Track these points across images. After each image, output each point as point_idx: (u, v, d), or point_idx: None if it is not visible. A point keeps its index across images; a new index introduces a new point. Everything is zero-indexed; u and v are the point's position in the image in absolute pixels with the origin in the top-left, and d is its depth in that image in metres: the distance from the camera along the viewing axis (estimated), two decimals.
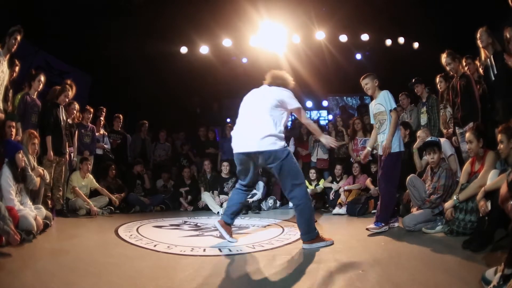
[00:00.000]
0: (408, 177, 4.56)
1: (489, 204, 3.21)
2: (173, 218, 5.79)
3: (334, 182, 6.94)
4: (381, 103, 4.39)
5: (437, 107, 5.90)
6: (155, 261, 3.15)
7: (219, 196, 6.80)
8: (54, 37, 7.81)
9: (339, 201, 6.33)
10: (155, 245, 3.67)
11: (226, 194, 6.81)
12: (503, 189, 2.31)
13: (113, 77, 9.40)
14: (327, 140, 4.10)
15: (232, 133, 3.98)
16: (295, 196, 3.66)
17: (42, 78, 5.33)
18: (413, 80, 6.37)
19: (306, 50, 10.01)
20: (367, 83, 4.49)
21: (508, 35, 4.13)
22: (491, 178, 3.42)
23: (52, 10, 7.09)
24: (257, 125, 3.64)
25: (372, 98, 4.63)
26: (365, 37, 9.77)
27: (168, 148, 8.60)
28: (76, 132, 6.30)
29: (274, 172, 3.68)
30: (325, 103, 13.60)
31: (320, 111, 13.72)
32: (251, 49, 9.99)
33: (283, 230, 4.59)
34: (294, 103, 3.75)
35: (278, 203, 7.39)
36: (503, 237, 3.03)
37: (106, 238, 4.11)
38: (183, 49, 9.94)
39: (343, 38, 9.72)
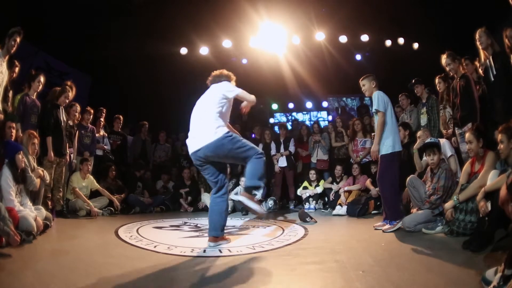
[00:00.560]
0: (408, 178, 4.57)
1: (489, 205, 3.21)
2: (173, 219, 5.78)
3: (334, 183, 6.94)
4: (373, 104, 4.47)
5: (437, 108, 5.90)
6: (155, 262, 3.14)
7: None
8: (54, 38, 7.82)
9: (339, 201, 6.33)
10: (155, 246, 3.67)
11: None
12: (503, 191, 2.31)
13: (113, 78, 9.40)
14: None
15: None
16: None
17: (42, 79, 5.33)
18: (413, 81, 6.37)
19: (306, 51, 10.02)
20: (364, 85, 4.59)
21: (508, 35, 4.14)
22: (491, 178, 3.42)
23: (52, 10, 7.10)
24: (201, 124, 3.67)
25: (371, 100, 4.67)
26: (365, 37, 9.79)
27: (168, 149, 8.60)
28: (77, 133, 6.30)
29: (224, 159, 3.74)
30: (325, 104, 13.59)
31: (320, 112, 13.70)
32: (251, 50, 10.00)
33: (283, 231, 4.59)
34: (233, 90, 3.80)
35: (278, 203, 7.39)
36: (503, 237, 3.03)
37: (106, 239, 4.11)
38: (183, 50, 9.95)
39: (343, 39, 9.73)
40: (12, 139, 4.46)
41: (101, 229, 4.99)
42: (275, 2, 8.27)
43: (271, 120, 13.09)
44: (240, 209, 6.50)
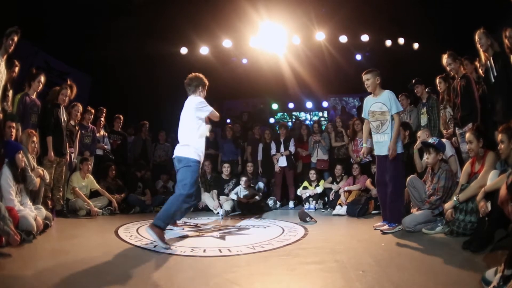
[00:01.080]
0: (408, 178, 4.57)
1: (489, 205, 3.21)
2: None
3: (334, 183, 6.94)
4: (385, 103, 4.37)
5: (437, 108, 5.90)
6: (155, 262, 3.15)
7: (218, 198, 6.79)
8: (54, 38, 7.81)
9: (339, 201, 6.33)
10: (155, 246, 3.67)
11: (226, 195, 6.81)
12: (503, 191, 2.31)
13: (113, 78, 9.39)
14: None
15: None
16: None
17: (42, 78, 5.33)
18: (413, 81, 6.37)
19: (306, 51, 10.01)
20: (368, 79, 4.47)
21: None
22: (491, 178, 3.42)
23: (52, 10, 7.10)
24: (181, 134, 4.25)
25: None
26: (365, 37, 9.78)
27: (168, 149, 8.59)
28: (78, 133, 6.30)
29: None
30: (325, 104, 13.59)
31: (323, 112, 13.71)
32: (251, 50, 10.00)
33: (283, 230, 4.59)
34: (204, 111, 4.27)
35: (278, 203, 7.39)
36: (503, 238, 3.03)
37: (106, 239, 4.11)
38: (183, 50, 9.95)
39: (343, 39, 9.73)
40: (12, 139, 4.46)
41: (101, 228, 4.99)
42: (275, 2, 8.26)
43: (271, 120, 13.10)
44: (240, 209, 6.51)
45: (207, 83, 4.55)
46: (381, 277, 2.56)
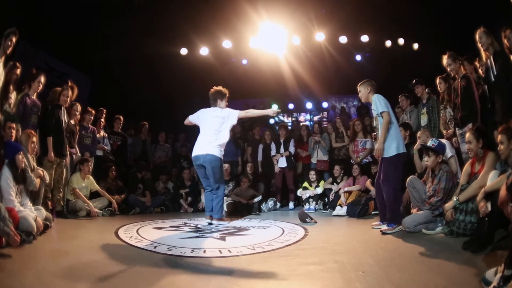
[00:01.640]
0: (408, 178, 4.57)
1: (489, 205, 3.20)
2: (173, 220, 5.78)
3: (334, 184, 6.93)
4: (374, 108, 4.53)
5: (437, 108, 5.90)
6: (155, 263, 3.15)
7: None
8: (54, 38, 7.82)
9: (339, 202, 6.32)
10: (155, 247, 3.67)
11: (227, 196, 6.80)
12: (502, 192, 2.31)
13: (113, 78, 9.40)
14: (273, 110, 5.57)
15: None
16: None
17: (42, 79, 5.33)
18: (414, 81, 6.37)
19: (306, 51, 10.03)
20: (360, 90, 4.69)
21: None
22: (491, 179, 3.42)
23: (52, 10, 7.10)
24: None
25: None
26: (365, 38, 9.79)
27: (168, 150, 8.60)
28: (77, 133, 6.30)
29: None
30: (325, 104, 13.58)
31: (319, 114, 13.69)
32: (251, 51, 10.00)
33: (283, 231, 4.59)
34: (234, 117, 5.42)
35: (278, 204, 7.39)
36: (503, 238, 3.02)
37: (106, 240, 4.10)
38: (183, 51, 9.95)
39: (343, 39, 9.74)
40: (12, 139, 4.46)
41: (101, 229, 4.99)
42: (275, 2, 8.27)
43: (271, 121, 13.08)
44: (241, 210, 6.51)
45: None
46: (381, 278, 2.56)
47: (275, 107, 13.08)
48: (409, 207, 4.75)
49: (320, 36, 9.52)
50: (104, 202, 6.28)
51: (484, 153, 3.83)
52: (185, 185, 7.40)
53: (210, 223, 5.12)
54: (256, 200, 6.76)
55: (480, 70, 4.84)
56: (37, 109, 5.32)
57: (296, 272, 2.80)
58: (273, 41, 9.65)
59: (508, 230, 3.02)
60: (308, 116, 13.61)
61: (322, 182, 7.09)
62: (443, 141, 4.93)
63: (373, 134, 5.12)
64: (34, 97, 5.32)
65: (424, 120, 6.15)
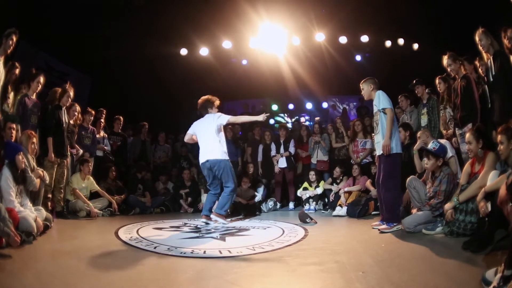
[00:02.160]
0: (408, 179, 4.57)
1: (489, 205, 3.21)
2: (173, 220, 5.78)
3: (334, 184, 6.93)
4: (375, 104, 4.54)
5: (437, 108, 5.90)
6: (155, 263, 3.15)
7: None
8: (54, 38, 7.82)
9: (339, 202, 6.32)
10: (155, 247, 3.67)
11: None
12: (502, 191, 2.31)
13: (113, 78, 9.40)
14: (262, 116, 5.36)
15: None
16: None
17: (42, 79, 5.33)
18: (414, 81, 6.37)
19: (306, 51, 10.03)
20: (363, 88, 4.71)
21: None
22: (491, 179, 3.41)
23: (52, 11, 7.11)
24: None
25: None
26: (364, 38, 9.79)
27: (168, 150, 8.60)
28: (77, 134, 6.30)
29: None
30: (325, 104, 13.58)
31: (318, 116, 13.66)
32: (251, 51, 10.01)
33: (283, 232, 4.59)
34: (223, 119, 5.32)
35: (278, 204, 7.39)
36: (503, 238, 3.02)
37: (106, 240, 4.10)
38: (183, 51, 9.96)
39: (343, 39, 9.74)
40: (13, 140, 4.46)
41: (101, 230, 4.99)
42: (275, 2, 8.28)
43: (271, 121, 13.08)
44: (241, 210, 6.51)
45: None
46: (381, 278, 2.56)
47: (274, 108, 13.16)
48: (409, 207, 4.75)
49: (320, 37, 9.53)
50: (104, 202, 6.28)
51: (484, 153, 3.83)
52: (185, 185, 7.40)
53: (206, 223, 5.17)
54: (255, 200, 6.75)
55: (480, 70, 4.84)
56: (37, 109, 5.33)
57: (296, 272, 2.80)
58: (273, 42, 9.66)
59: (508, 230, 3.01)
60: (307, 117, 13.59)
61: (322, 183, 7.09)
62: (443, 141, 4.93)
63: (373, 134, 5.12)
64: (34, 97, 5.32)
65: (424, 120, 6.15)
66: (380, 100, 4.44)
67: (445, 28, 8.18)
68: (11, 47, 4.55)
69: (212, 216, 5.19)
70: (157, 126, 8.86)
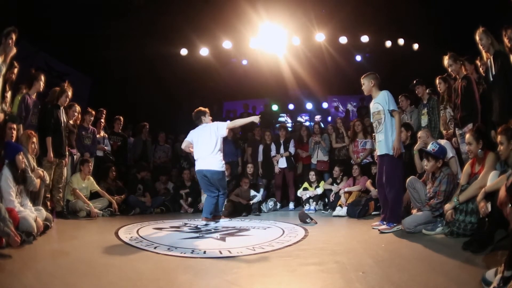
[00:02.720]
0: (408, 179, 4.56)
1: (489, 205, 3.21)
2: (173, 220, 5.78)
3: (334, 184, 6.93)
4: (380, 103, 4.48)
5: (438, 109, 5.90)
6: (155, 263, 3.15)
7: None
8: (54, 38, 7.82)
9: (339, 203, 6.32)
10: (155, 247, 3.67)
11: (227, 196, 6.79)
12: (502, 193, 2.31)
13: (113, 78, 9.40)
14: (257, 117, 5.52)
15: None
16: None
17: (43, 78, 5.34)
18: (414, 82, 6.37)
19: (306, 52, 10.03)
20: (363, 83, 4.65)
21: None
22: (491, 179, 3.41)
23: (52, 11, 7.11)
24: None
25: (372, 98, 4.68)
26: (365, 38, 9.79)
27: (168, 150, 8.60)
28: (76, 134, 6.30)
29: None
30: (325, 105, 13.56)
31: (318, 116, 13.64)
32: (251, 51, 10.01)
33: (284, 232, 4.59)
34: (223, 129, 5.38)
35: (279, 205, 7.39)
36: (503, 238, 3.02)
37: (106, 240, 4.10)
38: (183, 51, 9.96)
39: (343, 39, 9.74)
40: (13, 140, 4.46)
41: (101, 230, 4.99)
42: (275, 3, 8.28)
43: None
44: (240, 210, 6.51)
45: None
46: (382, 278, 2.56)
47: (274, 107, 13.16)
48: (409, 207, 4.75)
49: (320, 37, 9.52)
50: (104, 202, 6.28)
51: (484, 154, 3.83)
52: (185, 185, 7.40)
53: (206, 225, 5.17)
54: (256, 200, 6.76)
55: (481, 69, 4.84)
56: (37, 109, 5.33)
57: (296, 272, 2.81)
58: (273, 42, 9.65)
59: (508, 231, 3.02)
60: (306, 117, 13.58)
61: (322, 183, 7.09)
62: (443, 142, 4.93)
63: (373, 134, 5.11)
64: (35, 97, 5.32)
65: (424, 120, 6.15)
66: (389, 101, 4.41)
67: (445, 28, 8.18)
68: (11, 45, 4.54)
69: (212, 222, 5.26)
70: (157, 126, 8.85)
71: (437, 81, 5.63)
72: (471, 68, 5.13)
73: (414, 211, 4.50)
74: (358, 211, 5.82)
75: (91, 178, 6.33)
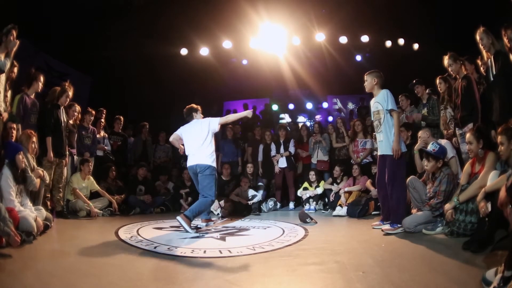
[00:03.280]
0: (408, 179, 4.56)
1: (489, 205, 3.21)
2: (173, 220, 5.73)
3: (334, 184, 6.93)
4: (380, 102, 4.46)
5: (438, 108, 5.90)
6: (155, 263, 3.15)
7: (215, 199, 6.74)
8: (54, 38, 7.82)
9: (339, 202, 6.32)
10: (155, 247, 3.67)
11: (227, 196, 6.79)
12: (502, 194, 2.31)
13: (113, 78, 9.40)
14: (250, 112, 5.43)
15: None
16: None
17: (42, 78, 5.34)
18: (414, 81, 6.37)
19: (306, 51, 10.04)
20: (366, 79, 4.62)
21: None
22: (491, 179, 3.41)
23: (52, 11, 7.11)
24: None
25: (373, 96, 4.67)
26: (365, 38, 9.79)
27: (168, 150, 8.58)
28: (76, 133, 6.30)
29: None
30: (325, 104, 13.56)
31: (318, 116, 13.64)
32: (251, 51, 10.01)
33: (284, 231, 4.59)
34: (215, 124, 5.19)
35: (279, 204, 7.39)
36: (503, 238, 3.02)
37: (107, 240, 4.10)
38: (183, 51, 9.96)
39: (343, 39, 9.74)
40: (13, 140, 4.46)
41: (101, 229, 4.98)
42: (275, 2, 8.28)
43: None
44: (241, 210, 6.51)
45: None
46: (382, 278, 2.56)
47: (275, 107, 13.16)
48: (409, 207, 4.74)
49: (320, 37, 9.53)
50: (104, 202, 6.28)
51: (484, 153, 3.83)
52: (185, 185, 7.38)
53: (206, 225, 5.16)
54: (256, 200, 6.75)
55: (482, 69, 4.84)
56: (36, 108, 5.33)
57: (296, 272, 2.81)
58: (273, 42, 9.66)
59: (508, 231, 3.02)
60: (305, 117, 13.58)
61: (322, 182, 7.09)
62: (444, 142, 4.93)
63: (374, 134, 5.10)
64: (33, 97, 5.32)
65: None
66: (389, 101, 4.39)
67: (445, 28, 8.18)
68: (14, 40, 4.55)
69: (178, 217, 4.69)
70: (157, 126, 8.85)
71: (438, 81, 5.63)
72: (471, 67, 5.14)
73: (414, 211, 4.50)
74: (358, 211, 5.82)
75: (91, 178, 6.33)
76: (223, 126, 9.28)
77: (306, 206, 6.87)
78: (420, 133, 5.27)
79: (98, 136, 6.95)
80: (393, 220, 4.33)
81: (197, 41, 9.63)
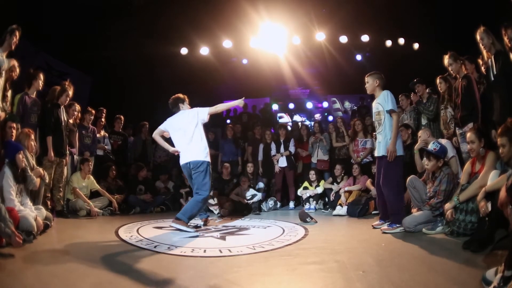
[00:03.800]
0: (409, 178, 4.56)
1: (489, 205, 3.20)
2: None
3: (334, 183, 6.93)
4: (381, 103, 4.44)
5: (434, 106, 5.91)
6: (155, 262, 3.15)
7: (214, 199, 6.74)
8: (54, 38, 7.82)
9: (339, 202, 6.32)
10: (155, 246, 3.67)
11: (227, 195, 6.79)
12: (502, 194, 2.31)
13: (113, 78, 9.40)
14: (241, 101, 5.08)
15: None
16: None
17: (42, 76, 5.35)
18: (414, 80, 6.36)
19: (306, 51, 10.04)
20: (368, 81, 4.59)
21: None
22: (491, 178, 3.41)
23: (53, 10, 7.11)
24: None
25: (374, 97, 4.67)
26: (365, 38, 9.79)
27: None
28: (76, 133, 6.30)
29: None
30: (325, 104, 13.56)
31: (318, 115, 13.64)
32: (251, 50, 10.02)
33: (284, 231, 4.59)
34: (204, 114, 4.88)
35: (279, 204, 7.39)
36: (503, 238, 3.02)
37: (107, 239, 4.11)
38: (183, 50, 9.96)
39: (343, 39, 9.74)
40: (13, 139, 4.46)
41: (101, 229, 4.98)
42: (275, 2, 8.28)
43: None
44: (241, 210, 6.51)
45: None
46: (382, 278, 2.56)
47: (275, 106, 13.16)
48: (409, 207, 4.74)
49: (321, 36, 9.52)
50: (104, 201, 6.29)
51: (485, 153, 3.83)
52: (185, 184, 7.37)
53: (204, 224, 5.13)
54: (256, 199, 6.75)
55: (482, 68, 4.83)
56: (37, 108, 5.33)
57: (296, 271, 2.81)
58: (274, 41, 9.66)
59: (508, 230, 3.02)
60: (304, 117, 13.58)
61: (322, 182, 7.09)
62: (444, 142, 4.93)
63: (374, 134, 5.10)
64: (34, 96, 5.32)
65: (424, 119, 6.15)
66: (389, 101, 4.37)
67: (445, 28, 8.17)
68: (15, 43, 4.57)
69: (172, 224, 4.56)
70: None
71: (438, 80, 5.62)
72: (472, 67, 5.14)
73: (414, 211, 4.50)
74: (358, 210, 5.82)
75: (91, 177, 6.33)
76: (223, 126, 9.34)
77: (306, 206, 6.88)
78: (420, 133, 5.27)
79: (98, 135, 6.96)
80: (392, 220, 4.33)
81: (197, 40, 9.63)
